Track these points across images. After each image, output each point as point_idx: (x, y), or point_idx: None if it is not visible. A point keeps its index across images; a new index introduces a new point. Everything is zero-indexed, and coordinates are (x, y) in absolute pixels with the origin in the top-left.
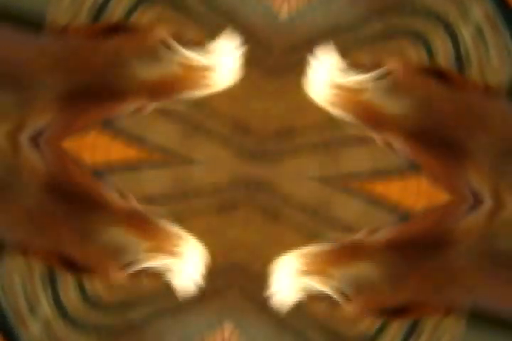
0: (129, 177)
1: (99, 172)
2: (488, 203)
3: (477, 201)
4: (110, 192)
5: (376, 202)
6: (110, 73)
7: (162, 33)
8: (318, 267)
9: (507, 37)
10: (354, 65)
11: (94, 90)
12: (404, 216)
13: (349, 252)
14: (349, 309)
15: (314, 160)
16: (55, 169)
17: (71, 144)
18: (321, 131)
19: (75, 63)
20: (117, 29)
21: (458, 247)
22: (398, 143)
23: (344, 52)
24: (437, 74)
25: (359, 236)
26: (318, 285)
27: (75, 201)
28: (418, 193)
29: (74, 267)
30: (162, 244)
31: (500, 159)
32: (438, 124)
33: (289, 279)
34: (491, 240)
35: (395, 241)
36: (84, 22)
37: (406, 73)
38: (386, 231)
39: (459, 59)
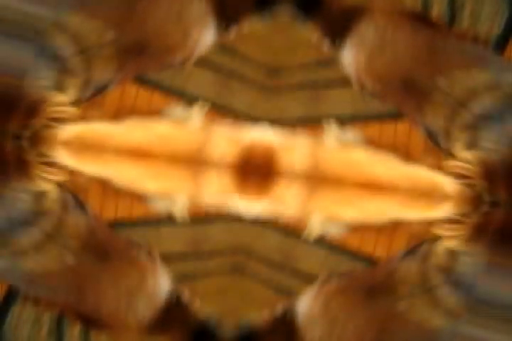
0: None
1: (120, 225)
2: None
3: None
4: (135, 248)
5: (338, 248)
6: (162, 28)
7: None
8: None
9: None
10: None
11: (147, 45)
12: (365, 261)
13: None
14: None
15: (297, 99)
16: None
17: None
18: (308, 71)
19: (128, 21)
20: None
21: (399, 290)
22: (372, 88)
23: None
24: (423, 20)
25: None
26: None
27: (105, 256)
28: (395, 139)
29: (88, 321)
30: None
31: (456, 106)
32: (406, 68)
33: None
34: (428, 281)
35: (346, 286)
36: None
37: (389, 15)
38: (341, 276)
39: (452, 7)
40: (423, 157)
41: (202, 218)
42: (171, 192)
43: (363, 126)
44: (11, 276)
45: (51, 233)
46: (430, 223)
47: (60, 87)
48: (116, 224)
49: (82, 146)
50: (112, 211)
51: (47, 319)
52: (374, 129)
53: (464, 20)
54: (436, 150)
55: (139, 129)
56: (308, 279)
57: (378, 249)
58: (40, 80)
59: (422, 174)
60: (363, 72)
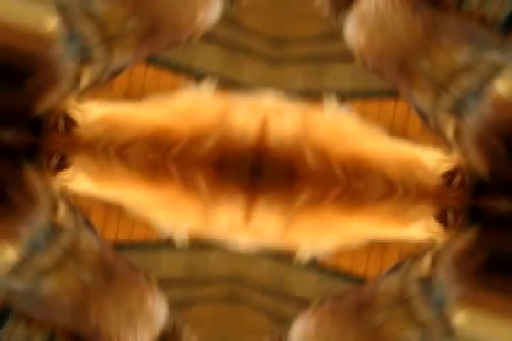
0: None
1: (121, 247)
2: None
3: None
4: (135, 270)
5: (330, 271)
6: (171, 7)
7: None
8: None
9: None
10: None
11: (158, 27)
12: (358, 282)
13: None
14: None
15: (300, 71)
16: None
17: None
18: (311, 44)
19: (140, 4)
20: None
21: (379, 304)
22: (372, 65)
23: None
24: None
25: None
26: None
27: (110, 276)
28: (393, 118)
29: None
30: None
31: (439, 89)
32: (402, 48)
33: None
34: (405, 292)
35: (337, 307)
36: None
37: None
38: (333, 298)
39: None
40: (419, 137)
41: (200, 245)
42: (177, 220)
43: (363, 102)
44: (20, 297)
45: (69, 250)
46: (416, 238)
47: (78, 77)
48: (115, 246)
49: (98, 150)
50: (112, 232)
51: (37, 337)
52: (373, 106)
53: (473, 1)
54: (431, 131)
55: (158, 108)
56: (303, 304)
57: (370, 268)
58: (62, 72)
59: (410, 153)
60: (364, 49)
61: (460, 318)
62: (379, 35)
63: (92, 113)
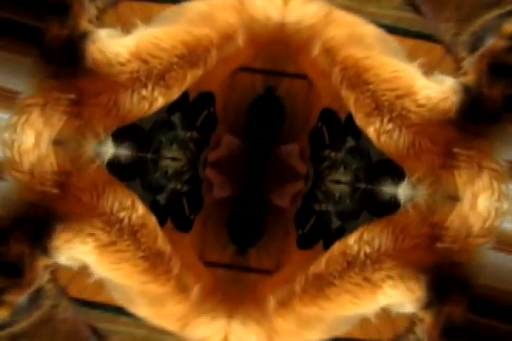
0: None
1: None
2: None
3: None
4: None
5: None
6: None
7: None
8: None
9: None
10: None
11: None
12: None
13: None
14: None
15: None
16: None
17: None
18: None
19: None
20: None
21: None
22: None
23: None
24: None
25: None
26: None
27: None
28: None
29: None
30: None
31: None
32: None
33: None
34: None
35: None
36: None
37: None
38: None
39: None
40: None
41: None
42: (156, 316)
43: (399, 39)
44: None
45: (46, 318)
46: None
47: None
48: (76, 302)
49: None
50: (77, 290)
51: None
52: (408, 45)
53: None
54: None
55: (176, 23)
56: None
57: (383, 333)
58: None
59: (411, 80)
60: None
61: None
62: None
63: (120, 50)
